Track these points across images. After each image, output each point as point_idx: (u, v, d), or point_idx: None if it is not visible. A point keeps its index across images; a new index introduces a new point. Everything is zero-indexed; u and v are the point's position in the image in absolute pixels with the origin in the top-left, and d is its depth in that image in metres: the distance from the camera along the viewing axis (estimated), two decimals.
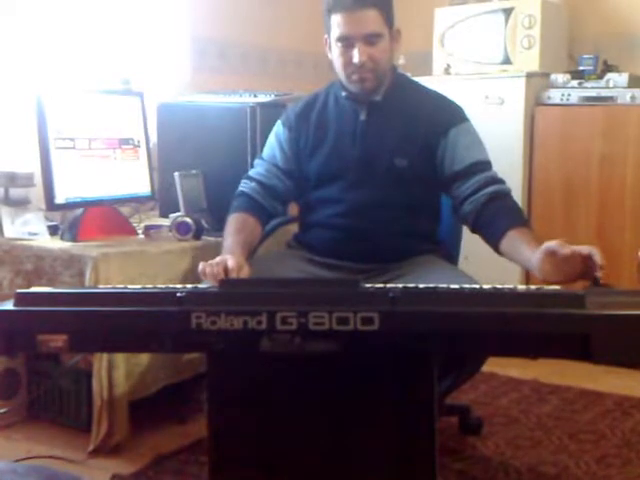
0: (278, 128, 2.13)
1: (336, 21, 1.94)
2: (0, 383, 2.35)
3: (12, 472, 1.53)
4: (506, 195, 1.96)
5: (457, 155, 1.98)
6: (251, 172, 2.12)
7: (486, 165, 2.00)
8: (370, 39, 1.93)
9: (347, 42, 1.94)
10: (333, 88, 2.10)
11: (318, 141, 2.07)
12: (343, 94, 2.05)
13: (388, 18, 1.97)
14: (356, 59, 1.93)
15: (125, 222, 2.52)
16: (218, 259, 1.78)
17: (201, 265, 1.77)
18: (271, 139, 2.14)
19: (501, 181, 1.98)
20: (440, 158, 1.99)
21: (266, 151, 2.14)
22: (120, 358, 2.15)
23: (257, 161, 2.15)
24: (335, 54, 1.99)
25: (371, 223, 2.01)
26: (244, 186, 2.09)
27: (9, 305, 1.43)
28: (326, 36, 2.01)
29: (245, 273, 1.78)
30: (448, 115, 2.03)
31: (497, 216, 1.90)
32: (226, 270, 1.74)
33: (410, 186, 2.01)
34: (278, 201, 2.10)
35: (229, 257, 1.79)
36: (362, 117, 2.04)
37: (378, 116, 2.03)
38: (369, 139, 2.02)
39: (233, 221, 2.01)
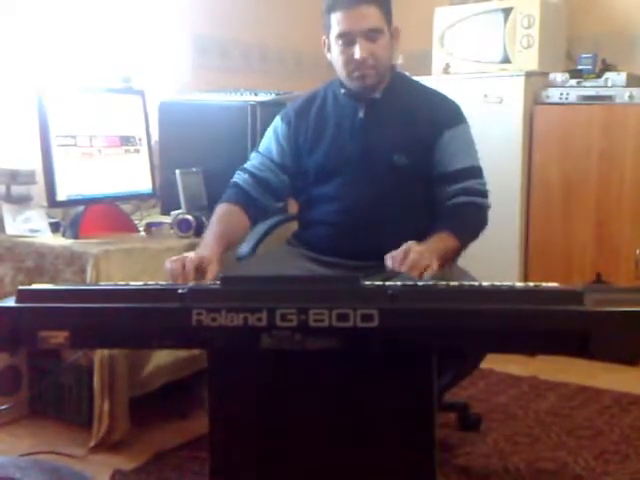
0: (277, 122, 2.14)
1: (336, 19, 1.95)
2: (2, 380, 2.35)
3: (14, 466, 1.54)
4: (470, 206, 1.98)
5: (444, 159, 2.00)
6: (246, 164, 2.13)
7: (470, 172, 2.00)
8: (371, 35, 1.94)
9: (348, 39, 1.95)
10: (332, 86, 2.12)
11: (317, 138, 2.08)
12: (342, 91, 2.06)
13: (387, 15, 1.98)
14: (357, 55, 1.94)
15: (126, 219, 2.53)
16: (179, 259, 1.73)
17: (167, 262, 1.75)
18: (269, 133, 2.15)
19: (476, 192, 1.99)
20: (434, 157, 2.01)
21: (263, 144, 2.15)
22: (121, 354, 2.16)
23: (253, 154, 2.15)
24: (335, 53, 2.00)
25: (370, 220, 2.02)
26: (237, 177, 2.10)
27: (11, 302, 1.44)
28: (324, 37, 2.02)
29: (211, 273, 1.74)
30: (444, 116, 2.03)
31: (443, 220, 1.95)
32: (184, 272, 1.70)
33: (409, 183, 2.02)
34: (270, 194, 2.10)
35: (189, 255, 1.76)
36: (361, 114, 2.05)
37: (377, 113, 2.04)
38: (368, 136, 2.03)
39: (218, 211, 2.02)
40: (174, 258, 1.75)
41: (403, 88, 2.09)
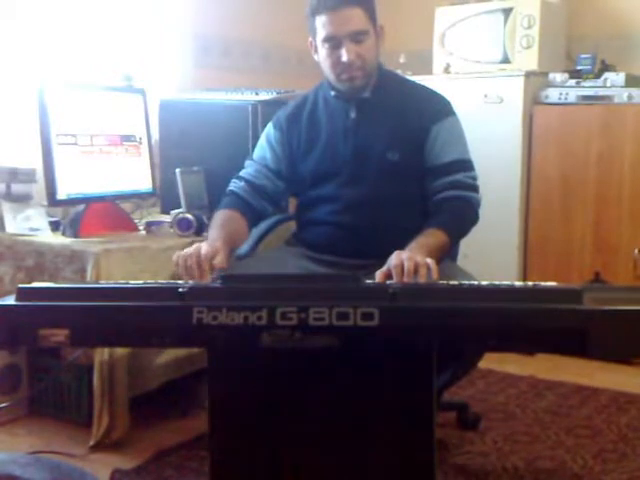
0: (269, 130, 2.15)
1: (321, 22, 1.95)
2: (2, 378, 2.36)
3: (13, 462, 1.54)
4: (458, 200, 1.97)
5: (432, 153, 2.00)
6: (241, 172, 2.14)
7: (458, 166, 2.00)
8: (357, 37, 1.94)
9: (334, 42, 1.95)
10: (321, 89, 2.12)
11: (311, 141, 2.08)
12: (332, 94, 2.06)
13: (372, 15, 1.98)
14: (344, 58, 1.94)
15: (126, 218, 2.53)
16: (192, 249, 1.75)
17: (175, 256, 1.76)
18: (262, 141, 2.16)
19: (465, 186, 1.99)
20: (424, 152, 2.02)
21: (256, 152, 2.16)
22: (121, 353, 2.16)
23: (247, 162, 2.16)
24: (322, 55, 2.00)
25: (368, 219, 2.03)
26: (233, 186, 2.11)
27: (11, 300, 1.45)
28: (311, 39, 2.02)
29: (220, 260, 1.75)
30: (432, 110, 2.04)
31: (432, 216, 1.94)
32: (199, 260, 1.72)
33: (404, 180, 2.03)
34: (266, 200, 2.11)
35: (202, 245, 1.77)
36: (352, 115, 2.05)
37: (368, 113, 2.05)
38: (360, 136, 2.04)
39: (218, 216, 2.03)
40: (187, 249, 1.75)
41: (391, 85, 2.10)
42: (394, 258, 1.68)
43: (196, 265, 1.72)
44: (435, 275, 1.64)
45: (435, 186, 1.99)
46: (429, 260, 1.67)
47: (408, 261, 1.65)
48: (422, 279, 1.63)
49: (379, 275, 1.68)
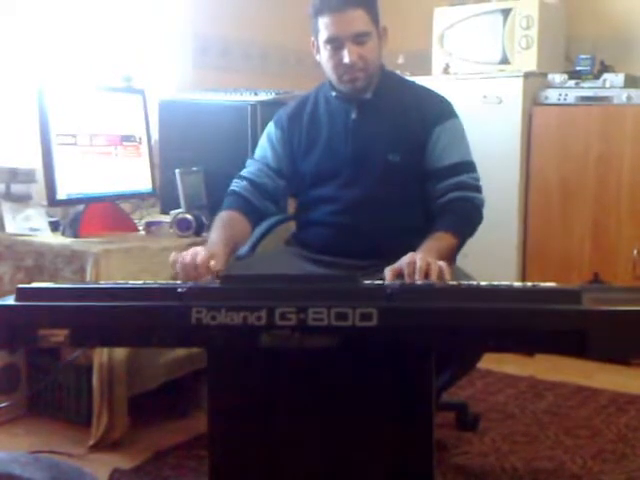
0: (270, 129, 2.16)
1: (324, 23, 1.95)
2: (1, 378, 2.36)
3: (14, 461, 1.54)
4: (463, 201, 1.98)
5: (435, 155, 2.01)
6: (243, 172, 2.14)
7: (461, 167, 2.01)
8: (359, 39, 1.94)
9: (336, 43, 1.95)
10: (323, 89, 2.12)
11: (311, 142, 2.09)
12: (333, 94, 2.07)
13: (374, 16, 1.98)
14: (347, 59, 1.94)
15: (126, 218, 2.53)
16: (189, 257, 1.75)
17: (172, 257, 1.76)
18: (263, 140, 2.16)
19: (469, 187, 2.00)
20: (426, 154, 2.02)
21: (258, 151, 2.16)
22: (120, 353, 2.16)
23: (249, 161, 2.16)
24: (325, 56, 2.00)
25: (367, 220, 2.03)
26: (235, 185, 2.11)
27: (10, 300, 1.45)
28: (313, 39, 2.02)
29: (216, 263, 1.75)
30: (434, 112, 2.04)
31: (438, 218, 1.94)
32: (197, 268, 1.72)
33: (404, 182, 2.03)
34: (269, 199, 2.11)
35: (200, 250, 1.77)
36: (353, 115, 2.05)
37: (369, 114, 2.05)
38: (361, 137, 2.04)
39: (220, 218, 2.02)
40: (185, 253, 1.75)
41: (393, 87, 2.10)
42: (407, 257, 1.68)
43: (193, 273, 1.71)
44: (448, 277, 1.64)
45: (439, 188, 1.99)
46: (442, 263, 1.66)
47: (421, 260, 1.65)
48: (434, 277, 1.62)
49: (389, 271, 1.67)
